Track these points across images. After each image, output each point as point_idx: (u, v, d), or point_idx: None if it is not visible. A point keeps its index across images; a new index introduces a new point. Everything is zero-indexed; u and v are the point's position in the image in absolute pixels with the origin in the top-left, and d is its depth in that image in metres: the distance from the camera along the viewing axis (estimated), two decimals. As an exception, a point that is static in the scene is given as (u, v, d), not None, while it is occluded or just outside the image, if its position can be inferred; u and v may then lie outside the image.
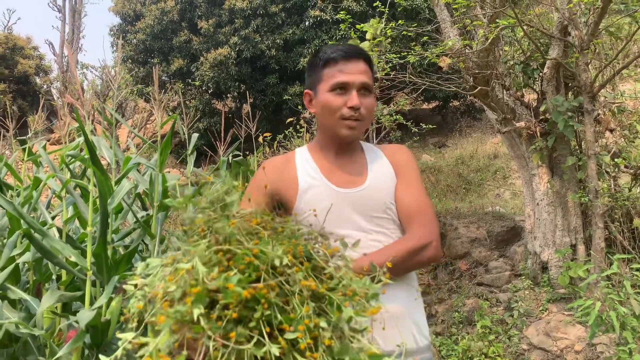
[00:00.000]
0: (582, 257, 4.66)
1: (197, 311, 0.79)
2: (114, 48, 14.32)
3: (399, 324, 1.27)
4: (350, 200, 1.36)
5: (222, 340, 0.78)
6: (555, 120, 4.59)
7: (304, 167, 1.44)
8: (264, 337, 0.78)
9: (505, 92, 5.08)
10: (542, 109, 4.94)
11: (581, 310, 2.74)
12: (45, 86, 18.63)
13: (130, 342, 0.84)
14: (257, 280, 0.83)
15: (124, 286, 0.95)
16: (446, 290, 5.41)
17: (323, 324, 0.81)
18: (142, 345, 0.85)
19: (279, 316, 0.80)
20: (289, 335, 0.78)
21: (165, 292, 0.86)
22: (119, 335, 0.87)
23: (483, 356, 3.55)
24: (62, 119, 2.96)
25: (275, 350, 0.77)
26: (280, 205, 1.41)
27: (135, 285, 0.93)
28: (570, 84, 5.07)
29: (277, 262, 0.84)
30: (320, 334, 0.81)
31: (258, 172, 1.47)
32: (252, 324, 0.80)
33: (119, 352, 0.85)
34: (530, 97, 5.75)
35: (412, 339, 1.31)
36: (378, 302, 0.90)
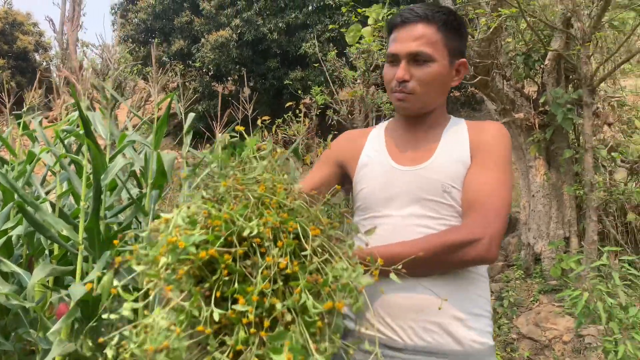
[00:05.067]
0: (575, 249, 4.68)
1: (164, 260, 0.82)
2: (115, 27, 14.22)
3: (423, 317, 1.12)
4: (406, 179, 1.22)
5: (167, 291, 0.81)
6: (554, 112, 4.58)
7: (373, 140, 1.35)
8: (211, 300, 0.79)
9: (505, 82, 5.06)
10: (541, 100, 4.93)
11: (570, 300, 2.76)
12: (44, 63, 18.51)
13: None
14: (231, 244, 0.82)
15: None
16: (439, 278, 5.45)
17: (278, 306, 0.78)
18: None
19: (236, 286, 0.79)
20: (238, 307, 0.77)
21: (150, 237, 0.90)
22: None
23: (472, 344, 3.58)
24: (59, 97, 2.94)
25: (216, 315, 0.77)
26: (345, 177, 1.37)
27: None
28: (570, 77, 5.05)
29: (246, 232, 0.82)
30: (279, 313, 0.78)
31: (333, 141, 1.39)
32: (206, 285, 0.80)
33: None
34: (530, 88, 5.74)
35: (446, 337, 1.12)
36: (360, 297, 0.84)
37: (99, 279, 2.12)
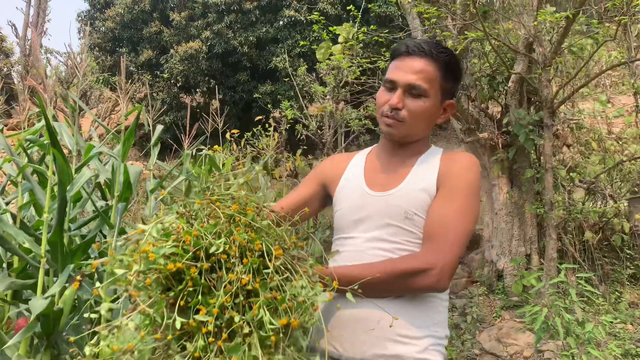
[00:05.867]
0: (536, 266, 4.82)
1: (136, 267, 0.86)
2: (81, 34, 13.95)
3: (363, 330, 1.16)
4: (374, 205, 1.28)
5: (134, 296, 0.85)
6: (516, 133, 4.74)
7: (354, 164, 1.42)
8: (175, 308, 0.83)
9: (470, 103, 5.21)
10: (505, 121, 5.09)
11: (530, 316, 2.84)
12: (5, 69, 17.94)
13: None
14: (199, 258, 0.87)
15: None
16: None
17: (237, 319, 0.83)
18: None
19: (200, 297, 0.84)
20: (198, 317, 0.82)
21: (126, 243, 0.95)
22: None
23: (436, 359, 3.62)
24: (22, 104, 2.87)
25: (177, 323, 0.81)
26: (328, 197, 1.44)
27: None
28: (532, 99, 5.25)
29: (212, 249, 0.87)
30: (238, 325, 0.83)
31: (320, 162, 1.45)
32: (171, 294, 0.85)
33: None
34: (494, 109, 5.93)
35: (384, 351, 1.14)
36: (315, 314, 0.91)
37: (61, 292, 2.07)
